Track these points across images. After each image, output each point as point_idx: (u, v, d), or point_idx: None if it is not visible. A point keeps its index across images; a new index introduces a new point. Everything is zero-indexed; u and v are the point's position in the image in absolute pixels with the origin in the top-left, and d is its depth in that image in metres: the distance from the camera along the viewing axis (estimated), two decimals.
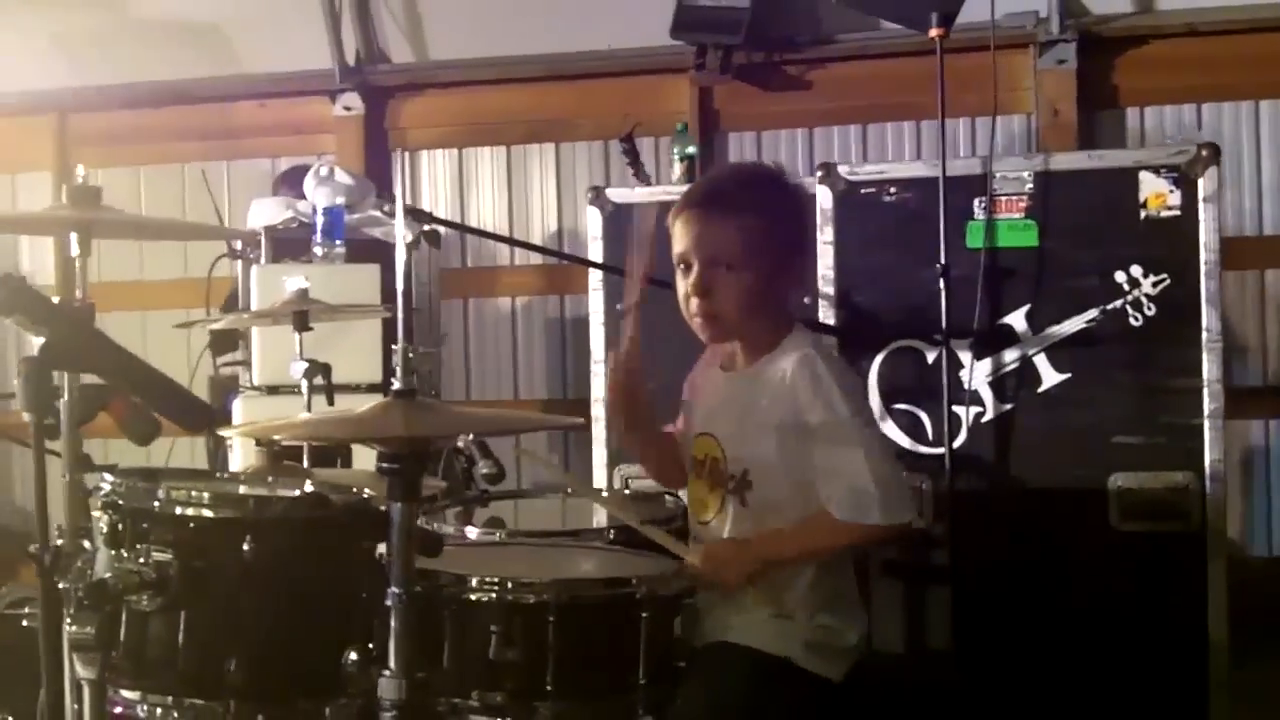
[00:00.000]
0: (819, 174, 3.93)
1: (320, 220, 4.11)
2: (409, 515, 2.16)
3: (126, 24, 6.21)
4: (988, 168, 3.82)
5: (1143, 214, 3.75)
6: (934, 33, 3.80)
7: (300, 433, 2.37)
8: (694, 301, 2.70)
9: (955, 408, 3.83)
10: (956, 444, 3.84)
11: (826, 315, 3.89)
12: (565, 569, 2.76)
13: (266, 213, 4.63)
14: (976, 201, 3.84)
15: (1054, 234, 3.81)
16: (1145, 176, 3.74)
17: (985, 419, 3.85)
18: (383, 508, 2.19)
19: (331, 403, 3.44)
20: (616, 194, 4.22)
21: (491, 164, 6.22)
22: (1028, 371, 3.83)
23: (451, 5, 6.10)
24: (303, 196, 4.63)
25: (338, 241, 4.12)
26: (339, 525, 2.46)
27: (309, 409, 3.39)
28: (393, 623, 2.16)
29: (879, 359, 3.91)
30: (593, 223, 4.24)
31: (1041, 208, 3.81)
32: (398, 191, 6.17)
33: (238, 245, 4.55)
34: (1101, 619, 3.74)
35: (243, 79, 6.26)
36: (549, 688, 2.46)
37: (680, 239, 2.72)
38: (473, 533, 3.08)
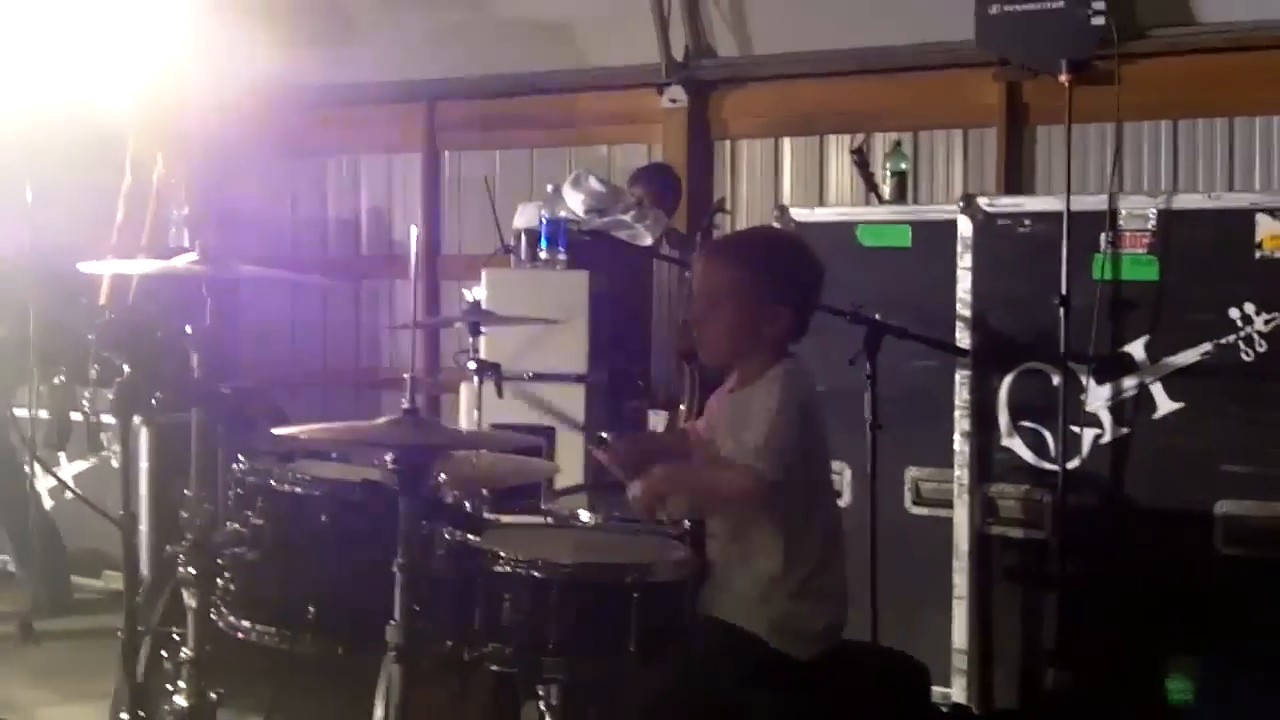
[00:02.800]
0: (960, 205, 4.44)
1: (545, 228, 4.95)
2: (411, 504, 2.96)
3: (488, 21, 7.26)
4: (1114, 204, 4.23)
5: (1258, 254, 4.05)
6: (1063, 78, 4.25)
7: (320, 436, 3.20)
8: (692, 329, 3.41)
9: (1075, 428, 4.28)
10: (1076, 463, 4.29)
11: (962, 336, 4.42)
12: (594, 553, 3.49)
13: (526, 216, 5.53)
14: (1103, 235, 4.25)
15: (1174, 269, 4.17)
16: (1261, 219, 4.04)
17: (1104, 440, 4.27)
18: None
19: (500, 395, 4.30)
20: (800, 213, 4.80)
21: (805, 153, 6.89)
22: (1144, 398, 4.21)
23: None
24: (652, 190, 5.52)
25: (560, 249, 4.95)
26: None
27: (479, 402, 4.25)
28: (396, 585, 2.97)
29: (1008, 379, 4.39)
30: None
31: (1163, 244, 4.18)
32: (716, 183, 6.99)
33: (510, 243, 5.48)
34: (1198, 634, 4.13)
35: (583, 72, 7.19)
36: (550, 646, 3.20)
37: (694, 277, 3.43)
38: (585, 516, 3.88)
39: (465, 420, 4.93)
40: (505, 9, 7.21)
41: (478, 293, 4.21)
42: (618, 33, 7.01)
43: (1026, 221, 4.37)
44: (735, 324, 3.31)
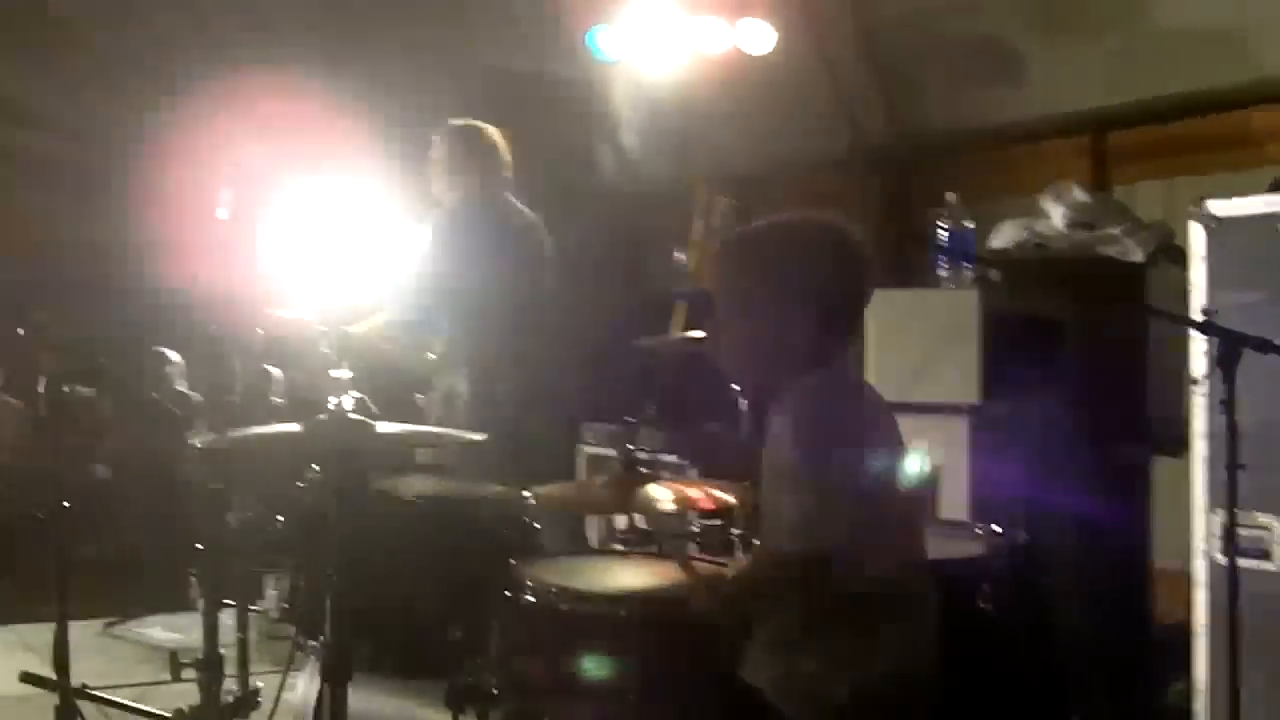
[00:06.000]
0: None
1: (948, 242, 4.65)
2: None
3: (1152, 39, 6.84)
4: None
5: None
6: None
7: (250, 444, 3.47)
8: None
9: None
10: None
11: None
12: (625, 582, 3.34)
13: (1005, 235, 5.20)
14: None
15: None
16: None
17: None
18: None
19: None
20: (1218, 205, 4.10)
21: None
22: None
23: None
24: None
25: (966, 265, 4.61)
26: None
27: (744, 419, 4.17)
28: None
29: None
30: (1196, 239, 4.17)
31: None
32: None
33: None
34: None
35: (1259, 84, 6.56)
36: (536, 676, 3.08)
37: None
38: None
39: None
40: (1169, 23, 6.76)
41: None
42: None
43: None
44: (749, 336, 2.99)
